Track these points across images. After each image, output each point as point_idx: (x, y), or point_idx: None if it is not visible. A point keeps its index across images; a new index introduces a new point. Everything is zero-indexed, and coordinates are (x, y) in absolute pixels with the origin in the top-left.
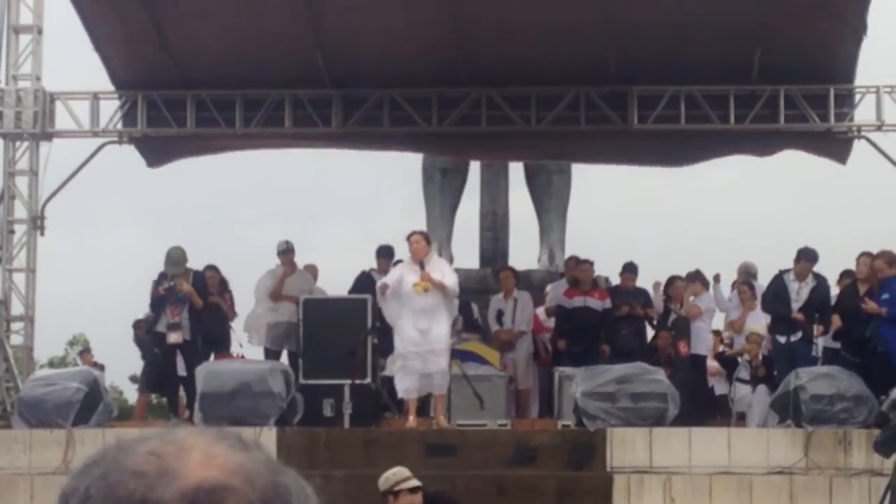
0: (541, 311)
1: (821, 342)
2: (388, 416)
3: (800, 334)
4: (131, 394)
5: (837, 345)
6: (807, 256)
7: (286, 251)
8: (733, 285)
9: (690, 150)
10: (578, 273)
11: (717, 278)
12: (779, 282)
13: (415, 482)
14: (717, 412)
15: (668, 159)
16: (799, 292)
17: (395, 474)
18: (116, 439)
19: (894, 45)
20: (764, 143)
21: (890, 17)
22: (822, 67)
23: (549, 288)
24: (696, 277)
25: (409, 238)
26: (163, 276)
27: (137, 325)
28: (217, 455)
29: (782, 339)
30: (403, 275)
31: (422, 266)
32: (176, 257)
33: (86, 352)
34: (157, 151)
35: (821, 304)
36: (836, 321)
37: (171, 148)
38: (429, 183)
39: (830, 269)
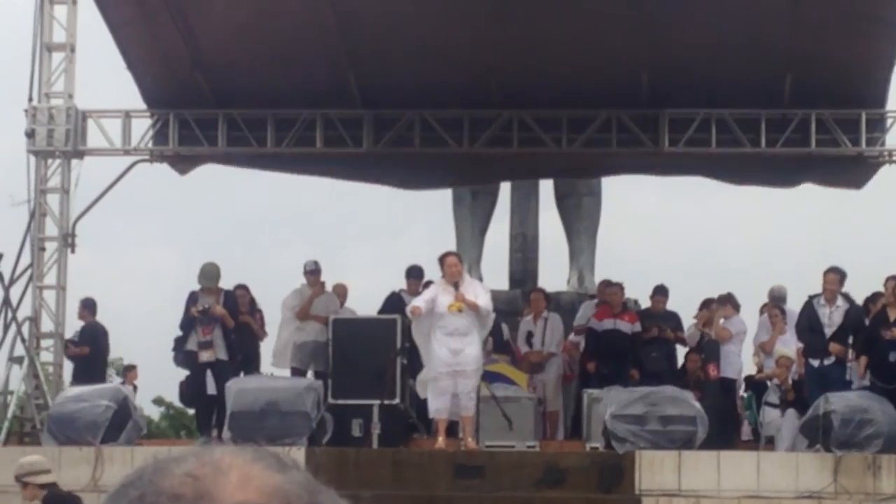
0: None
1: (853, 366)
2: (416, 436)
3: (833, 358)
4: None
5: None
6: (830, 271)
7: (314, 271)
8: (762, 309)
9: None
10: (608, 296)
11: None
12: (810, 308)
13: (46, 478)
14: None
15: (700, 171)
16: (830, 317)
17: (31, 465)
18: (153, 458)
19: None
20: (785, 176)
21: None
22: (854, 92)
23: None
24: (728, 300)
25: (442, 259)
26: (194, 296)
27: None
28: (255, 477)
29: (815, 363)
30: (437, 295)
31: (456, 287)
32: (210, 272)
33: (131, 369)
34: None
35: (855, 328)
36: (836, 348)
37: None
38: (459, 205)
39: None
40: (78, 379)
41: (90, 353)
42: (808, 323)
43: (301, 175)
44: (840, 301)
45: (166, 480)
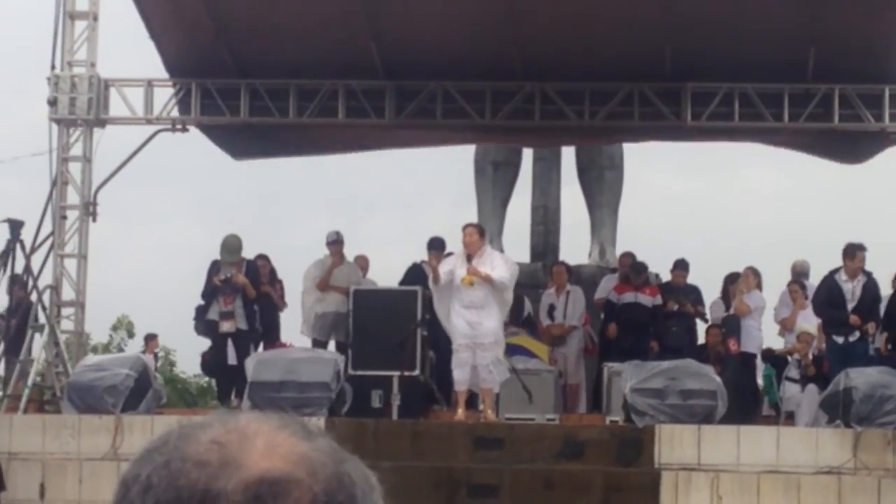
0: None
1: (876, 340)
2: (436, 408)
3: (857, 334)
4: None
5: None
6: (859, 248)
7: (335, 242)
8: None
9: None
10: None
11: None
12: (831, 283)
13: None
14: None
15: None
16: (853, 292)
17: None
18: (178, 425)
19: None
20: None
21: None
22: (878, 67)
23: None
24: (751, 274)
25: (463, 230)
26: (216, 265)
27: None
28: (280, 444)
29: (839, 340)
30: (455, 267)
31: (469, 259)
32: (232, 245)
33: (152, 338)
34: (242, 146)
35: (872, 302)
36: (855, 320)
37: (256, 146)
38: (481, 176)
39: (882, 271)
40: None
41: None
42: (830, 298)
43: (322, 154)
44: (861, 277)
45: (191, 447)
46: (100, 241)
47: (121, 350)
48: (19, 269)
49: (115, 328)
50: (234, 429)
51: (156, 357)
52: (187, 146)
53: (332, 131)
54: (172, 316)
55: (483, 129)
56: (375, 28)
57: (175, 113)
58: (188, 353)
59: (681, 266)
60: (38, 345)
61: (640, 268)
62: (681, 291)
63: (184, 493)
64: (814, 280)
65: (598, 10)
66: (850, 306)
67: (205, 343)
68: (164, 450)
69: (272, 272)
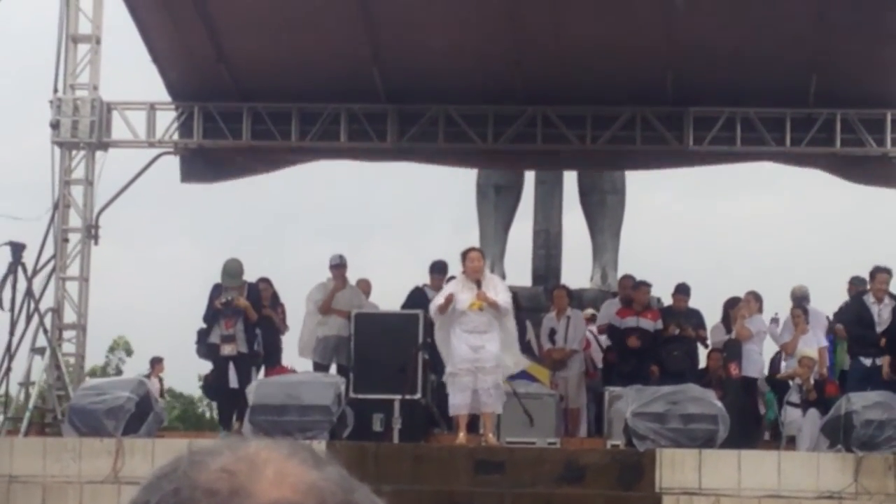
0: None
1: None
2: (437, 431)
3: (887, 357)
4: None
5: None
6: (879, 270)
7: (338, 265)
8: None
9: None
10: (636, 295)
11: (775, 320)
12: (860, 304)
13: None
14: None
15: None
16: (880, 314)
17: None
18: (189, 451)
19: None
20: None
21: None
22: (880, 92)
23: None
24: (752, 299)
25: (465, 255)
26: (218, 289)
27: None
28: (290, 473)
29: (867, 362)
30: (458, 292)
31: (479, 284)
32: (233, 269)
33: (158, 362)
34: (211, 167)
35: None
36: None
37: (225, 167)
38: (483, 200)
39: None
40: None
41: None
42: (858, 319)
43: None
44: (887, 300)
45: (202, 474)
46: (101, 264)
47: (119, 371)
48: (21, 291)
49: (111, 350)
50: (243, 457)
51: (161, 381)
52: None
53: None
54: (173, 338)
55: (485, 153)
56: (378, 52)
57: (177, 136)
58: (189, 376)
59: (682, 290)
60: (37, 367)
61: (641, 284)
62: (682, 316)
63: None
64: (814, 304)
65: (600, 34)
66: (878, 329)
67: (205, 365)
68: (173, 477)
69: (274, 295)
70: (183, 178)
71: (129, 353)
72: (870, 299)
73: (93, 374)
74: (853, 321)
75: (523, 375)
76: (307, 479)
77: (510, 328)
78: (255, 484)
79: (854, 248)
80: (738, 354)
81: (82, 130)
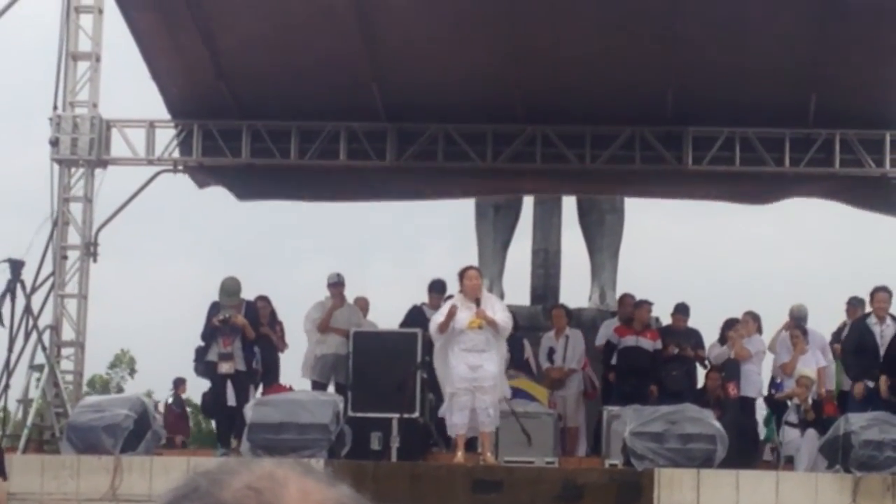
0: None
1: None
2: (435, 450)
3: (884, 377)
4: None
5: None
6: (878, 290)
7: (337, 283)
8: (785, 327)
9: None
10: (638, 313)
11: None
12: (863, 327)
13: None
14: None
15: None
16: (883, 334)
17: None
18: (202, 470)
19: None
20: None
21: None
22: (879, 112)
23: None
24: (750, 319)
25: (463, 273)
26: (216, 307)
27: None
28: (311, 490)
29: (871, 384)
30: (456, 311)
31: (477, 303)
32: (230, 288)
33: (181, 382)
34: (247, 187)
35: None
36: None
37: (265, 189)
38: (481, 219)
39: None
40: None
41: None
42: (860, 343)
43: (320, 202)
44: (889, 321)
45: (225, 492)
46: (100, 282)
47: (120, 389)
48: (19, 308)
49: (112, 366)
50: (264, 475)
51: (183, 402)
52: (188, 187)
53: (337, 177)
54: (173, 355)
55: (484, 172)
56: (377, 70)
57: (176, 154)
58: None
59: (681, 310)
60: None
61: (642, 302)
62: (681, 335)
63: None
64: (812, 324)
65: (599, 53)
66: (881, 350)
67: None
68: (194, 496)
69: (272, 314)
70: (239, 196)
71: (131, 372)
72: (872, 320)
73: (92, 386)
74: (852, 347)
75: (522, 394)
76: (329, 495)
77: (502, 350)
78: (282, 500)
79: (851, 268)
80: (737, 374)
81: (82, 148)
